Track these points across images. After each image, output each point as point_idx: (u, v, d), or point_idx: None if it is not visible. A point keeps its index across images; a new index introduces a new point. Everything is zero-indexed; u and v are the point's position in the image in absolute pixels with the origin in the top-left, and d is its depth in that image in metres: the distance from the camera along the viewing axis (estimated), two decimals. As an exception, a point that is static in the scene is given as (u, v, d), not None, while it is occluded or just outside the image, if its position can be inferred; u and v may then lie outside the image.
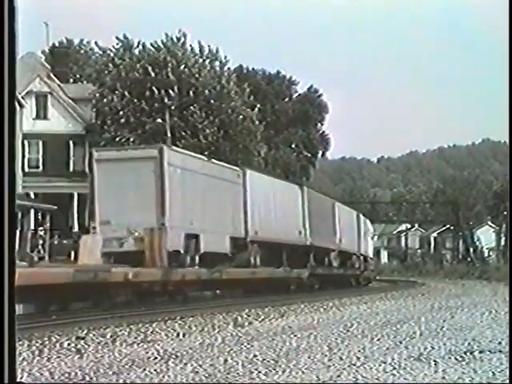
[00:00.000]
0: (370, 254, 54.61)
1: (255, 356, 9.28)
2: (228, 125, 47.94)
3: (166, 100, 46.41)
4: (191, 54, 48.71)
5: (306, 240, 34.63)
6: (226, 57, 50.70)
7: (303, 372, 8.01)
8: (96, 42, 59.15)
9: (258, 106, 53.21)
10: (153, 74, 46.72)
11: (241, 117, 48.98)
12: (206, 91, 47.25)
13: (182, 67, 47.35)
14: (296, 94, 70.30)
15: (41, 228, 40.08)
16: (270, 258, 30.43)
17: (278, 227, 31.00)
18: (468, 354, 9.31)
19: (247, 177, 29.42)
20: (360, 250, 48.05)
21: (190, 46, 49.03)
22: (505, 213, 78.38)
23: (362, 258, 48.58)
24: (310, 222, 35.14)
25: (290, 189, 34.40)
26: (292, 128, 67.89)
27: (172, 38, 48.79)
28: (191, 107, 46.83)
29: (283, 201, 32.48)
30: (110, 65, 48.00)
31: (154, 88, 46.50)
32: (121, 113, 46.41)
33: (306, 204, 34.89)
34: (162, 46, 48.56)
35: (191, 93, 46.93)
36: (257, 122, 51.53)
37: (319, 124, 70.79)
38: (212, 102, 47.52)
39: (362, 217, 51.72)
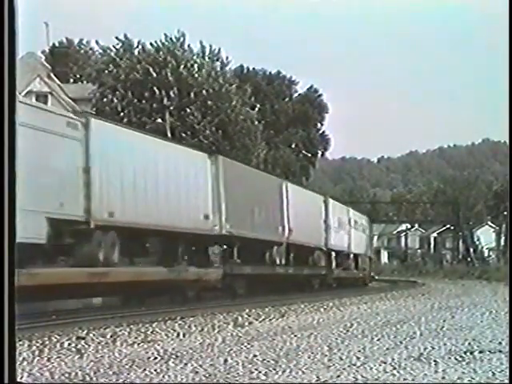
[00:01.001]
0: (358, 249, 47.06)
1: (255, 356, 9.29)
2: (227, 124, 47.94)
3: (165, 100, 46.43)
4: (191, 54, 48.73)
5: (218, 228, 25.49)
6: (227, 57, 50.79)
7: (303, 372, 8.01)
8: (97, 41, 59.08)
9: (258, 105, 53.25)
10: (154, 75, 46.74)
11: (240, 117, 48.99)
12: (205, 91, 47.25)
13: (182, 67, 47.38)
14: (296, 94, 70.35)
15: None
16: (147, 252, 22.43)
17: (162, 208, 22.14)
18: (468, 353, 9.31)
19: (92, 127, 19.27)
20: (329, 243, 38.69)
21: (189, 45, 49.06)
22: (505, 213, 78.38)
23: (334, 254, 40.09)
24: (227, 203, 26.03)
25: (191, 156, 25.39)
26: (292, 128, 67.92)
27: (172, 38, 48.80)
28: (191, 107, 46.84)
29: (177, 171, 23.61)
30: (111, 65, 48.01)
31: (154, 88, 46.52)
32: (122, 113, 46.41)
33: (220, 179, 25.86)
34: (161, 46, 48.57)
35: (191, 93, 46.93)
36: (256, 122, 51.55)
37: (319, 124, 70.86)
38: (211, 101, 47.52)
39: (337, 204, 43.46)
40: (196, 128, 46.68)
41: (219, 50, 50.10)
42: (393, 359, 8.89)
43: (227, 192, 26.07)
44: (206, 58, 49.20)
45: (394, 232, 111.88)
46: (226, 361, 8.88)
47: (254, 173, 31.70)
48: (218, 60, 50.08)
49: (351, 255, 45.28)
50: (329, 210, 39.48)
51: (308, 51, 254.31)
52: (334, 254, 40.22)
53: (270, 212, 30.95)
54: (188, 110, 46.80)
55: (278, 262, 31.32)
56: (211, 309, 18.63)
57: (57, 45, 63.29)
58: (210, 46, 49.71)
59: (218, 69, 49.80)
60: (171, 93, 46.49)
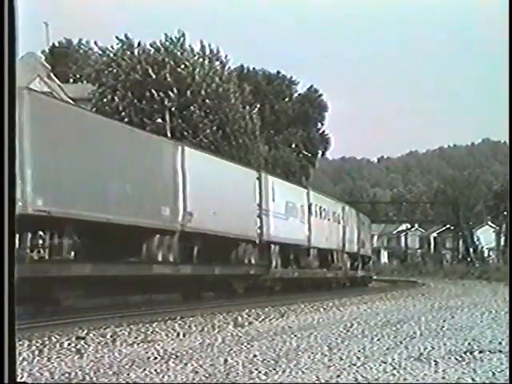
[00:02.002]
0: (325, 243, 38.17)
1: (255, 356, 9.29)
2: (227, 124, 47.94)
3: (165, 100, 46.43)
4: (190, 54, 48.73)
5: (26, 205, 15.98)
6: (226, 56, 50.78)
7: (303, 372, 8.01)
8: (95, 42, 59.18)
9: (258, 105, 53.25)
10: (153, 75, 46.74)
11: (240, 116, 48.99)
12: (204, 91, 47.24)
13: (182, 67, 47.37)
14: (296, 94, 70.38)
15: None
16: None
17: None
18: (468, 353, 9.31)
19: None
20: (266, 234, 29.48)
21: (190, 46, 49.06)
22: (505, 213, 78.38)
23: (277, 248, 31.14)
24: (37, 165, 16.57)
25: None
26: (292, 128, 67.97)
27: (171, 38, 48.81)
28: (190, 107, 46.84)
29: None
30: (113, 64, 48.00)
31: (153, 88, 46.52)
32: (122, 113, 46.41)
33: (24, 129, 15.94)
34: (161, 46, 48.58)
35: (190, 93, 46.93)
36: (256, 121, 51.55)
37: (319, 124, 70.90)
38: (211, 101, 47.51)
39: (286, 184, 34.64)
40: (196, 128, 46.69)
41: (218, 49, 50.15)
42: (393, 359, 8.89)
43: (36, 148, 16.57)
44: (206, 58, 49.21)
45: (394, 232, 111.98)
46: (226, 361, 8.88)
47: (124, 131, 22.11)
48: (217, 60, 50.09)
49: (313, 250, 35.82)
50: (267, 190, 30.14)
51: (307, 50, 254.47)
52: (276, 248, 31.12)
53: (149, 187, 21.86)
54: (188, 110, 46.82)
55: (160, 257, 22.56)
56: (211, 309, 18.64)
57: (57, 45, 63.35)
58: (210, 46, 49.76)
59: (218, 68, 49.80)
60: (171, 93, 46.49)
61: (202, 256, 24.85)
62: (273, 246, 30.74)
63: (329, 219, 39.18)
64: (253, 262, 29.11)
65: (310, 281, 36.01)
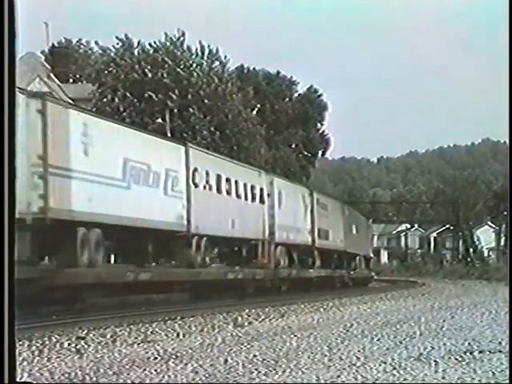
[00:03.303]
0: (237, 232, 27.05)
1: (255, 356, 9.28)
2: (225, 125, 47.92)
3: (165, 100, 46.42)
4: (189, 54, 48.71)
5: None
6: (225, 56, 50.78)
7: (303, 372, 8.01)
8: (96, 42, 59.19)
9: (258, 105, 53.21)
10: (149, 75, 46.70)
11: (240, 117, 48.98)
12: (202, 91, 47.22)
13: (181, 67, 47.37)
14: (296, 94, 70.37)
15: None
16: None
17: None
18: (468, 353, 9.31)
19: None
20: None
21: (188, 46, 49.05)
22: (505, 213, 78.33)
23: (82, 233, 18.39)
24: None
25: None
26: (292, 128, 67.95)
27: (171, 38, 48.80)
28: (189, 108, 46.83)
29: None
30: (112, 64, 48.00)
31: (153, 88, 46.51)
32: (122, 114, 46.41)
33: None
34: (160, 46, 48.57)
35: (189, 93, 46.92)
36: (256, 123, 51.55)
37: (319, 124, 70.87)
38: (209, 102, 47.50)
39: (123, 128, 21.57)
40: (195, 128, 46.68)
41: (217, 49, 50.12)
42: (393, 359, 8.88)
43: None
44: (205, 58, 49.21)
45: (394, 232, 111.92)
46: (225, 361, 8.88)
47: None
48: (217, 60, 50.08)
49: (198, 240, 24.08)
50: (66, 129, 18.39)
51: (308, 48, 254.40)
52: (91, 234, 18.78)
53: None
54: (187, 111, 46.80)
55: None
56: (211, 309, 18.64)
57: (56, 45, 63.35)
58: (209, 46, 49.76)
59: (218, 69, 49.79)
60: (170, 93, 46.48)
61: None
62: (82, 230, 18.35)
63: (238, 195, 27.19)
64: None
65: (177, 287, 24.11)
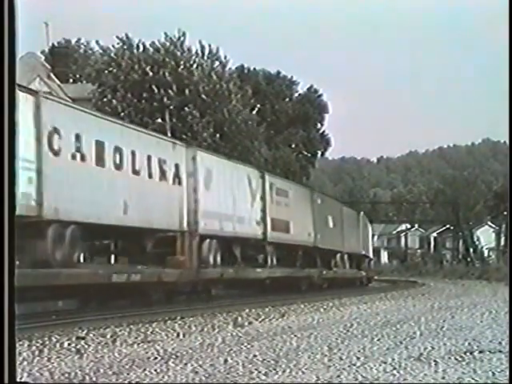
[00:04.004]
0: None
1: (255, 356, 9.28)
2: (225, 125, 47.92)
3: (165, 100, 46.44)
4: (189, 54, 48.73)
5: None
6: (226, 56, 50.77)
7: (303, 372, 8.01)
8: (97, 41, 59.24)
9: (258, 105, 53.21)
10: (153, 75, 46.75)
11: (239, 117, 48.98)
12: (202, 91, 47.22)
13: (181, 67, 47.38)
14: (296, 94, 70.40)
15: None
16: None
17: None
18: (468, 354, 9.31)
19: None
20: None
21: (187, 47, 49.07)
22: (505, 213, 78.33)
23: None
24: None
25: None
26: (292, 128, 67.95)
27: (171, 38, 48.82)
28: (188, 107, 46.82)
29: None
30: (113, 64, 48.01)
31: (153, 88, 46.52)
32: (122, 114, 46.43)
33: None
34: (161, 46, 48.59)
35: (188, 93, 46.92)
36: (255, 123, 51.56)
37: (319, 124, 70.88)
38: (209, 102, 47.49)
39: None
40: (194, 128, 46.68)
41: (217, 49, 50.12)
42: (393, 359, 8.89)
43: None
44: (205, 58, 49.21)
45: (394, 232, 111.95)
46: (225, 361, 8.88)
47: None
48: (217, 59, 50.08)
49: (56, 228, 17.31)
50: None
51: (307, 51, 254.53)
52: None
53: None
54: (187, 110, 46.79)
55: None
56: (211, 309, 18.65)
57: (56, 45, 63.41)
58: (209, 46, 49.76)
59: (218, 69, 49.79)
60: (170, 93, 46.48)
61: None
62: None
63: (136, 172, 20.44)
64: None
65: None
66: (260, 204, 28.67)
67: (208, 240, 24.07)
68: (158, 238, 21.88)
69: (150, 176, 21.12)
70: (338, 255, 40.11)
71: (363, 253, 48.17)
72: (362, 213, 51.73)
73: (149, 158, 21.08)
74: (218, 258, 24.80)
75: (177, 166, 22.65)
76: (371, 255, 54.95)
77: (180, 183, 22.87)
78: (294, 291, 30.21)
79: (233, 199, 26.38)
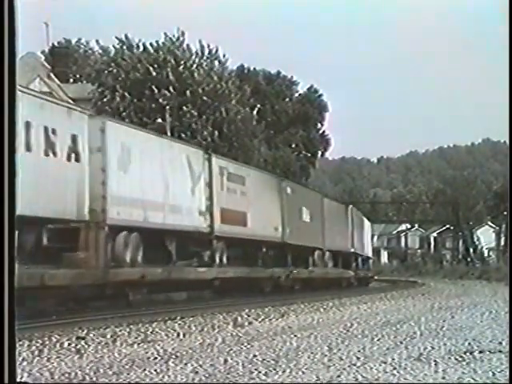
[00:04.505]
0: None
1: (255, 356, 9.28)
2: (224, 124, 47.92)
3: (165, 100, 46.44)
4: (189, 54, 48.75)
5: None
6: (224, 55, 50.78)
7: (303, 372, 8.01)
8: (97, 41, 59.27)
9: (258, 105, 53.22)
10: (153, 74, 46.77)
11: (238, 117, 48.98)
12: (201, 90, 47.22)
13: (182, 67, 47.39)
14: (296, 94, 70.41)
15: None
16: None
17: None
18: (468, 354, 9.30)
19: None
20: None
21: (187, 45, 49.08)
22: (505, 213, 78.35)
23: None
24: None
25: None
26: (292, 128, 67.97)
27: (171, 38, 48.84)
28: (187, 107, 46.83)
29: None
30: (113, 64, 48.03)
31: (153, 88, 46.53)
32: (123, 114, 46.44)
33: None
34: (161, 45, 48.62)
35: (188, 92, 46.93)
36: (255, 122, 51.57)
37: (319, 124, 70.90)
38: (208, 101, 47.49)
39: None
40: (194, 128, 46.69)
41: (217, 48, 50.14)
42: (393, 359, 8.88)
43: None
44: (205, 57, 49.23)
45: (394, 232, 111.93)
46: (225, 361, 8.87)
47: None
48: (216, 59, 50.11)
49: None
50: None
51: (308, 50, 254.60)
52: None
53: None
54: (186, 110, 46.80)
55: None
56: (211, 309, 18.65)
57: (56, 45, 63.44)
58: (209, 46, 49.78)
59: (217, 68, 49.81)
60: (171, 91, 46.48)
61: None
62: None
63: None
64: None
65: None
66: (205, 191, 23.97)
67: (125, 233, 19.64)
68: (55, 230, 17.71)
69: (29, 149, 16.05)
70: (317, 253, 35.60)
71: (352, 250, 43.43)
72: (351, 206, 46.86)
73: (28, 125, 16.02)
74: (139, 256, 20.33)
75: (74, 138, 17.85)
76: (367, 253, 51.61)
77: (78, 160, 17.98)
78: (253, 294, 26.55)
79: (164, 184, 21.54)
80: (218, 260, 24.88)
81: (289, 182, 34.53)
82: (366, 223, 53.24)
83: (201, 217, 23.55)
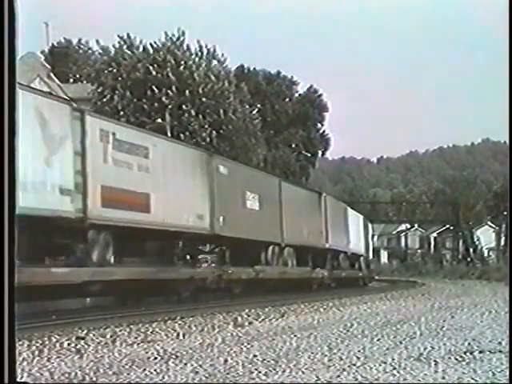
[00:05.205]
0: None
1: (255, 356, 9.28)
2: (223, 125, 47.90)
3: (164, 100, 46.44)
4: (189, 54, 48.74)
5: None
6: (223, 54, 50.76)
7: (303, 372, 8.01)
8: (97, 41, 59.31)
9: (259, 105, 53.22)
10: (153, 73, 46.77)
11: (238, 116, 48.97)
12: (200, 90, 47.21)
13: (182, 67, 47.39)
14: (296, 94, 70.43)
15: None
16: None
17: None
18: (468, 354, 9.30)
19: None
20: None
21: (187, 45, 49.08)
22: (505, 213, 78.33)
23: None
24: None
25: None
26: (292, 128, 67.98)
27: (171, 38, 48.83)
28: (187, 107, 46.81)
29: None
30: (114, 64, 48.02)
31: (153, 88, 46.53)
32: (121, 113, 46.45)
33: None
34: (161, 45, 48.61)
35: (187, 92, 46.93)
36: (255, 122, 51.55)
37: (319, 124, 70.91)
38: (207, 101, 47.47)
39: None
40: (193, 128, 46.68)
41: (215, 48, 50.11)
42: (393, 359, 8.88)
43: None
44: (204, 57, 49.22)
45: (394, 232, 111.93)
46: (225, 361, 8.87)
47: None
48: (214, 59, 50.10)
49: None
50: None
51: (307, 50, 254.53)
52: None
53: None
54: (185, 110, 46.78)
55: None
56: (211, 309, 18.65)
57: (56, 45, 63.47)
58: (207, 46, 49.76)
59: (216, 68, 49.79)
60: (170, 92, 46.48)
61: None
62: None
63: None
64: None
65: None
66: (74, 163, 17.80)
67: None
68: None
69: None
70: (272, 248, 29.65)
71: (327, 246, 36.42)
72: (324, 194, 38.86)
73: None
74: None
75: None
76: (357, 250, 45.48)
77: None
78: (159, 301, 21.65)
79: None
80: (96, 256, 18.80)
81: (225, 159, 28.08)
82: (353, 216, 46.17)
83: (65, 197, 17.35)
